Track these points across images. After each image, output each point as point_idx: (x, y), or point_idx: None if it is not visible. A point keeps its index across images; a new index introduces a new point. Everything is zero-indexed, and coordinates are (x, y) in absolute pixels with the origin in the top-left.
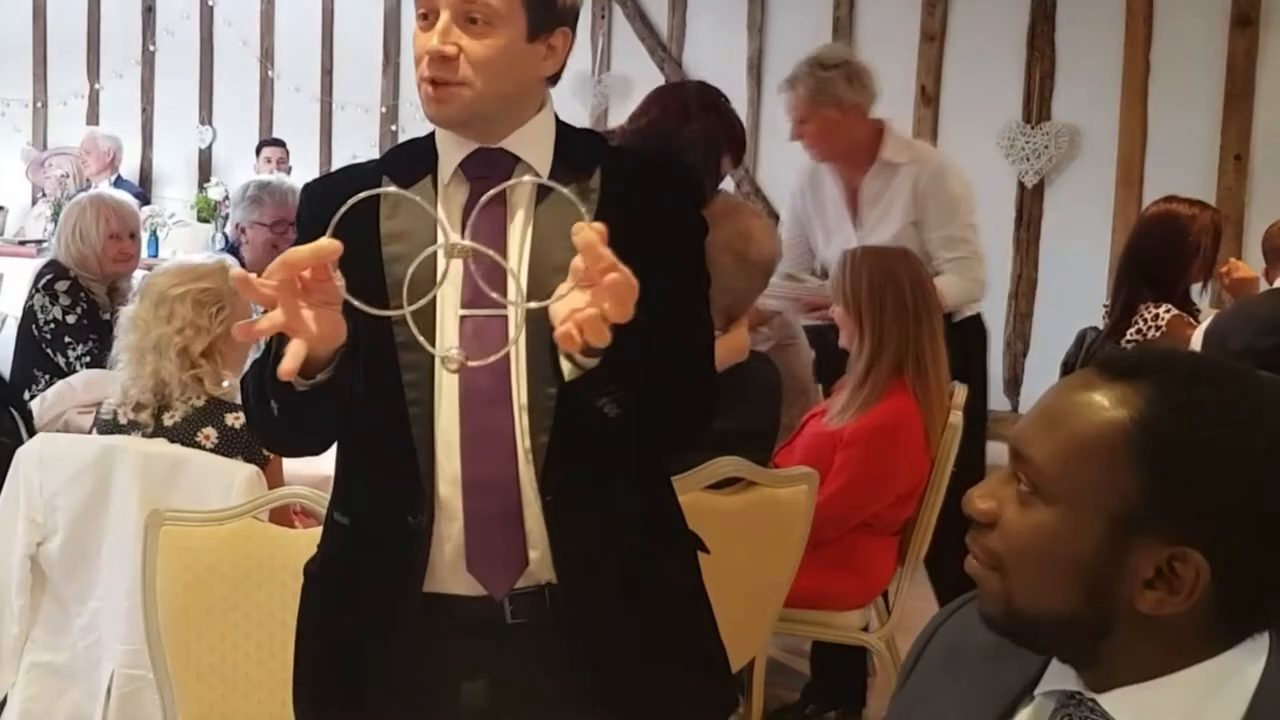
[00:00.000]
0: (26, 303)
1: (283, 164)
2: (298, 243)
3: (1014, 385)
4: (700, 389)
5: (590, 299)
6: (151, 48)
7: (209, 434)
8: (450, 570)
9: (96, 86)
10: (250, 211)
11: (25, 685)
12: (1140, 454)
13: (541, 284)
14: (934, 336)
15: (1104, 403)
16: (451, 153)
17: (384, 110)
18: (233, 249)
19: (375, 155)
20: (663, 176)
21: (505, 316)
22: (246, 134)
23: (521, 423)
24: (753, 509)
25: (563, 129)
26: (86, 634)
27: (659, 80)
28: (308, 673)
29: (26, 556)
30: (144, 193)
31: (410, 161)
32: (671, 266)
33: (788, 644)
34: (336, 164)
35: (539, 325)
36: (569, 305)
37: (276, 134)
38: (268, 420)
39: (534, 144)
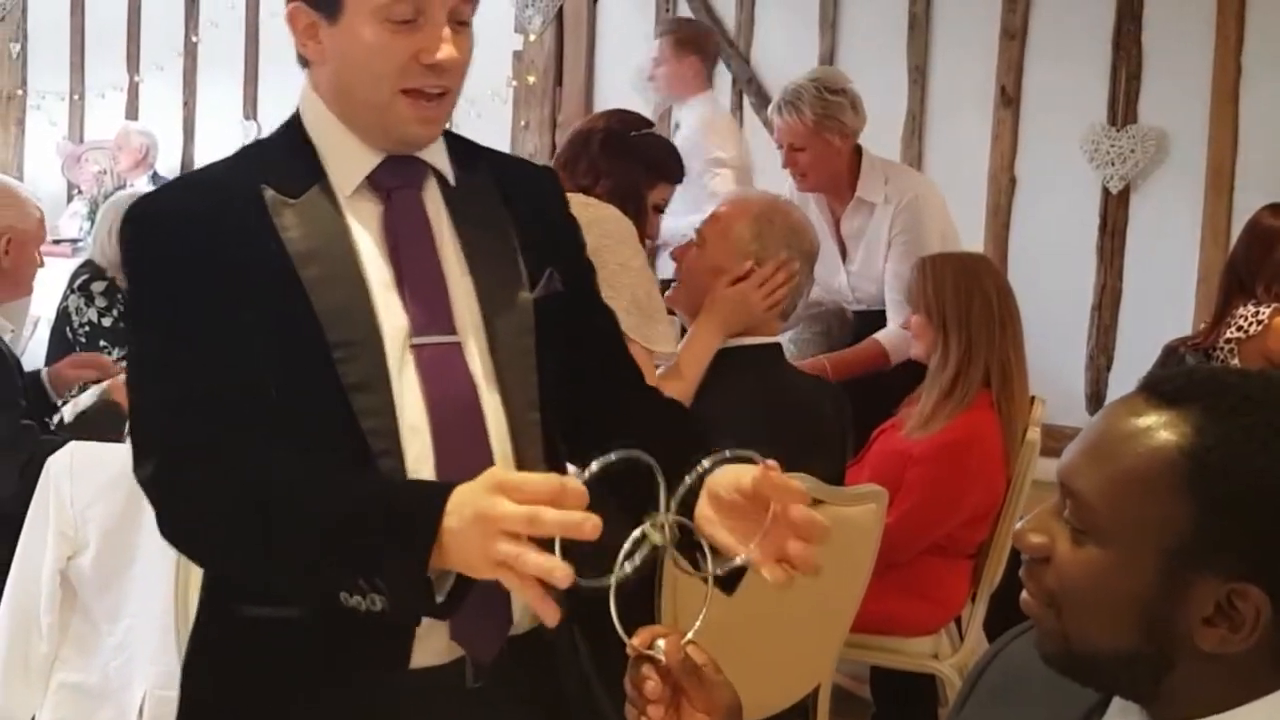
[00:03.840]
0: (60, 304)
1: None
2: (145, 280)
3: (1097, 401)
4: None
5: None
6: (194, 39)
7: None
8: (433, 643)
9: (136, 79)
10: None
11: (54, 706)
12: (1191, 485)
13: (498, 303)
14: (1017, 346)
15: (1151, 431)
16: (352, 160)
17: None
18: None
19: None
20: (532, 174)
21: (457, 343)
22: None
23: (504, 450)
24: None
25: (449, 139)
26: (118, 653)
27: (726, 77)
28: None
29: (56, 571)
30: None
31: (290, 169)
32: (575, 263)
33: (854, 671)
34: None
35: (511, 358)
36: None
37: None
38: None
39: (437, 148)
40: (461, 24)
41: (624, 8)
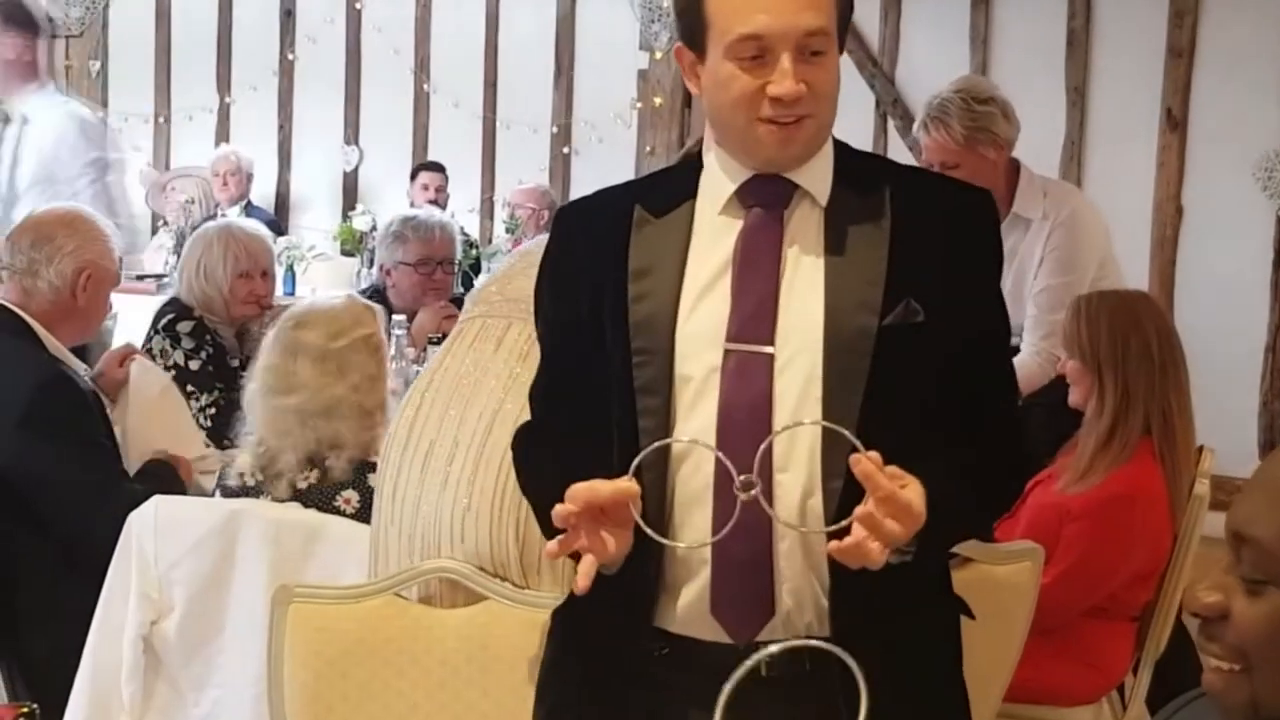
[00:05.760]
0: (144, 346)
1: (441, 191)
2: (543, 271)
3: (1272, 449)
4: (1012, 458)
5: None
6: (290, 56)
7: (349, 497)
8: (694, 613)
9: (227, 100)
10: (393, 250)
11: None
12: None
13: (841, 325)
14: (1180, 391)
15: None
16: (724, 178)
17: (555, 130)
18: (378, 291)
19: (545, 181)
20: (958, 200)
21: (770, 354)
22: (398, 155)
23: (804, 464)
24: (969, 589)
25: (841, 150)
26: None
27: (867, 97)
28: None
29: (139, 637)
30: (278, 221)
31: (668, 188)
32: (973, 293)
33: None
34: (500, 190)
35: (841, 381)
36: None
37: (432, 155)
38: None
39: (815, 169)
40: (816, 54)
41: None
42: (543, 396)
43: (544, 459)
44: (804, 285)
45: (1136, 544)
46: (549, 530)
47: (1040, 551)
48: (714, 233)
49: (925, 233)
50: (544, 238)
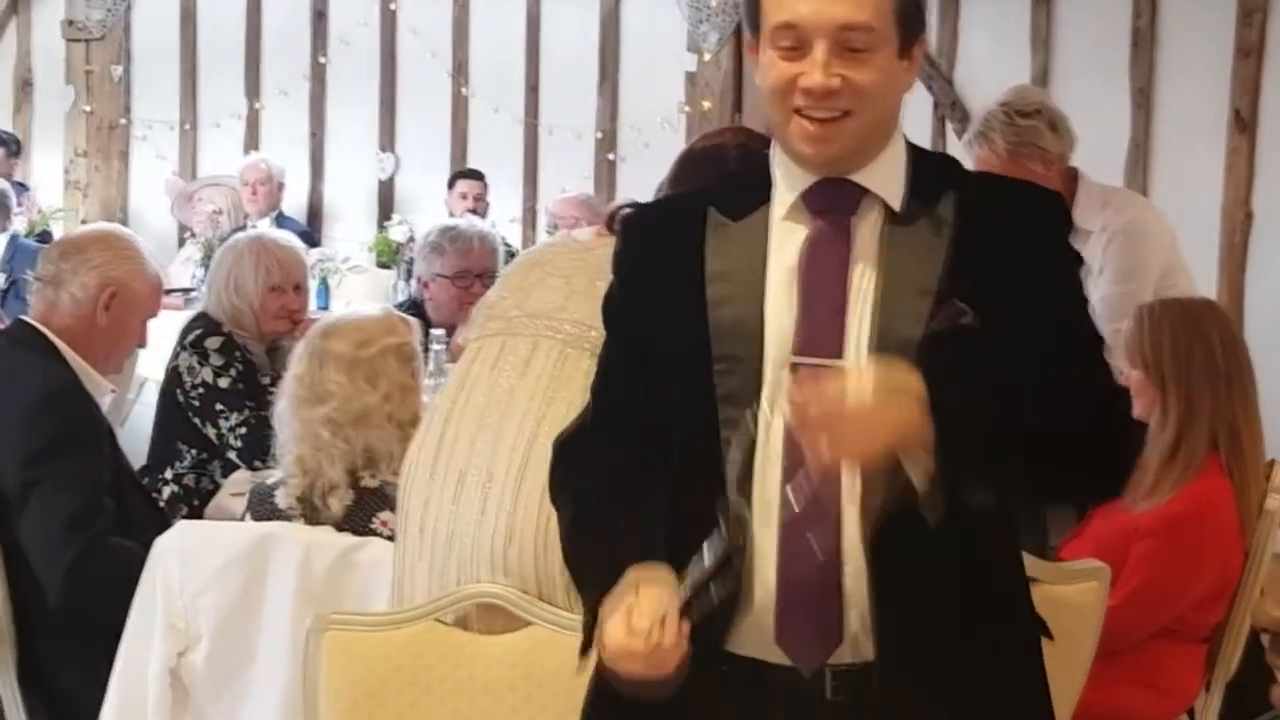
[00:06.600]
0: (171, 363)
1: (480, 200)
2: (616, 284)
3: None
4: (1102, 427)
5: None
6: (323, 60)
7: (386, 519)
8: (759, 637)
9: (256, 106)
10: (431, 262)
11: None
12: None
13: (889, 336)
14: (1247, 403)
15: None
16: (790, 183)
17: (599, 135)
18: (416, 304)
19: (589, 189)
20: (1026, 203)
21: (841, 368)
22: (436, 162)
23: (853, 484)
24: None
25: (915, 154)
26: None
27: (925, 100)
28: None
29: (165, 670)
30: (311, 232)
31: (742, 192)
32: (1042, 299)
33: None
34: (543, 198)
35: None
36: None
37: (471, 162)
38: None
39: (884, 173)
40: (856, 50)
41: None
42: (607, 408)
43: (593, 493)
44: (865, 295)
45: (1206, 563)
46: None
47: (1107, 571)
48: (784, 237)
49: (989, 238)
50: (554, 241)
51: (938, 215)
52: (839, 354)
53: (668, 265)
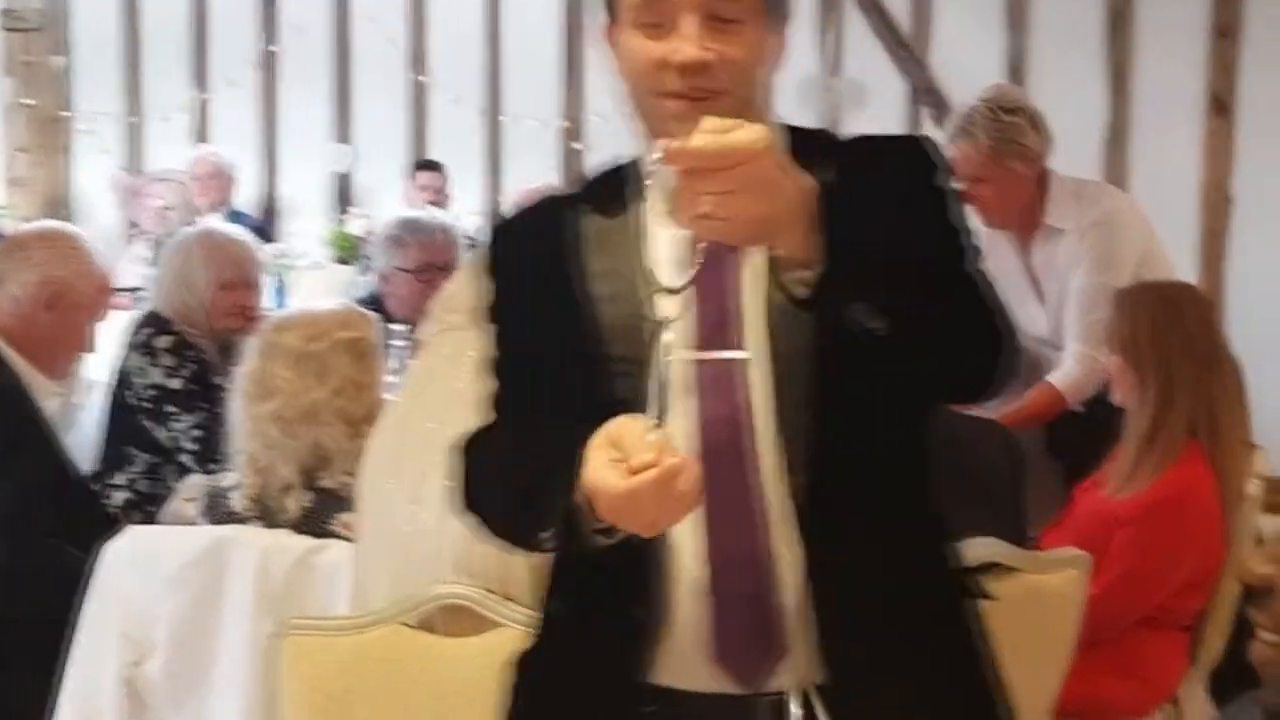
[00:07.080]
0: (120, 364)
1: (441, 192)
2: (494, 291)
3: None
4: (979, 322)
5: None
6: (273, 48)
7: (347, 520)
8: (690, 662)
9: (204, 97)
10: (391, 255)
11: None
12: None
13: (785, 318)
14: (1227, 387)
15: None
16: (663, 173)
17: (566, 125)
18: (376, 300)
19: (553, 179)
20: (892, 149)
21: (745, 360)
22: (395, 154)
23: (776, 464)
24: (1012, 600)
25: (793, 133)
26: None
27: (898, 85)
28: None
29: (120, 680)
30: (265, 227)
31: (613, 188)
32: (915, 235)
33: None
34: (508, 190)
35: (792, 379)
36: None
37: (432, 154)
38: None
39: None
40: (726, 21)
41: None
42: (496, 410)
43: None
44: (757, 282)
45: (1187, 550)
46: (525, 529)
47: (1088, 560)
48: (662, 231)
49: (860, 198)
50: None
51: (824, 186)
52: (740, 345)
53: (546, 267)
